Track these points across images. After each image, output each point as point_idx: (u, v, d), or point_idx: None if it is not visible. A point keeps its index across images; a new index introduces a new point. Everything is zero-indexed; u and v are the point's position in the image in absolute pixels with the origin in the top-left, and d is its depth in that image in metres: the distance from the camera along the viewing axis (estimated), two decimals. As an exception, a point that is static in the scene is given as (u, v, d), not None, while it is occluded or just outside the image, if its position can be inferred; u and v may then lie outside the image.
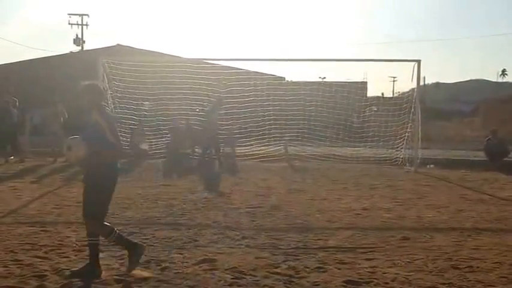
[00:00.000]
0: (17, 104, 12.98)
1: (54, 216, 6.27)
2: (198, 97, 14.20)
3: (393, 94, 63.86)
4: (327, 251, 4.82)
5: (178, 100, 14.56)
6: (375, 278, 4.03)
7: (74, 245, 4.90)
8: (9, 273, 4.03)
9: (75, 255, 4.53)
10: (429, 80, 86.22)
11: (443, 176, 11.26)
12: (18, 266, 4.21)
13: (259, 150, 12.32)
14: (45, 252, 4.62)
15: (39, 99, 15.24)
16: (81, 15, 39.75)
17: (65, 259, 4.43)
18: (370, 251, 4.83)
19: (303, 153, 14.17)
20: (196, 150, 14.08)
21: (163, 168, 11.80)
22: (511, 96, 33.93)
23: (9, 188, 8.54)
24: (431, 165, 13.39)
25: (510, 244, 5.19)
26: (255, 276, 4.05)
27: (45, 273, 4.02)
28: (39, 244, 4.89)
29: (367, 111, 18.24)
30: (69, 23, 39.55)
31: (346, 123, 15.69)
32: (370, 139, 15.20)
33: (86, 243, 4.88)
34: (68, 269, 4.09)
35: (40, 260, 4.39)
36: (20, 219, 6.07)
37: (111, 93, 13.00)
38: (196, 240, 5.14)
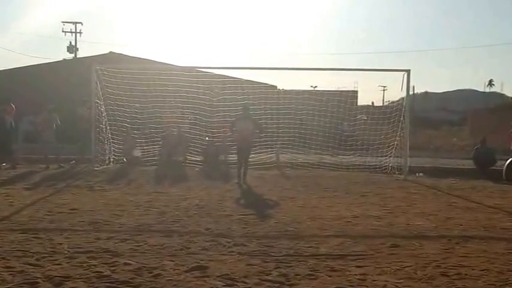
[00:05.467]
0: (14, 111, 12.96)
1: (46, 223, 6.25)
2: (190, 105, 14.28)
3: (383, 103, 64.47)
4: (317, 258, 4.86)
5: (170, 108, 14.62)
6: (365, 286, 4.08)
7: (66, 252, 4.89)
8: (0, 280, 4.02)
9: (67, 262, 4.52)
10: (418, 90, 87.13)
11: (432, 184, 11.39)
12: (10, 272, 4.19)
13: (251, 158, 12.33)
14: (37, 259, 4.60)
15: (32, 106, 15.17)
16: (75, 23, 39.90)
17: (57, 266, 4.41)
18: (360, 258, 4.88)
19: (294, 161, 14.26)
20: (188, 156, 14.11)
21: (155, 175, 11.80)
22: (498, 106, 34.46)
23: (1, 194, 8.48)
24: (421, 174, 13.56)
25: (498, 251, 5.27)
26: (246, 283, 4.07)
27: (37, 280, 4.01)
28: (31, 251, 4.87)
29: (358, 119, 18.43)
30: (62, 31, 39.69)
31: (336, 131, 15.83)
32: (360, 147, 15.36)
33: (78, 250, 4.92)
34: (59, 276, 4.09)
35: (32, 267, 4.38)
36: (11, 226, 6.04)
37: (104, 101, 13.04)
38: (188, 248, 5.15)
